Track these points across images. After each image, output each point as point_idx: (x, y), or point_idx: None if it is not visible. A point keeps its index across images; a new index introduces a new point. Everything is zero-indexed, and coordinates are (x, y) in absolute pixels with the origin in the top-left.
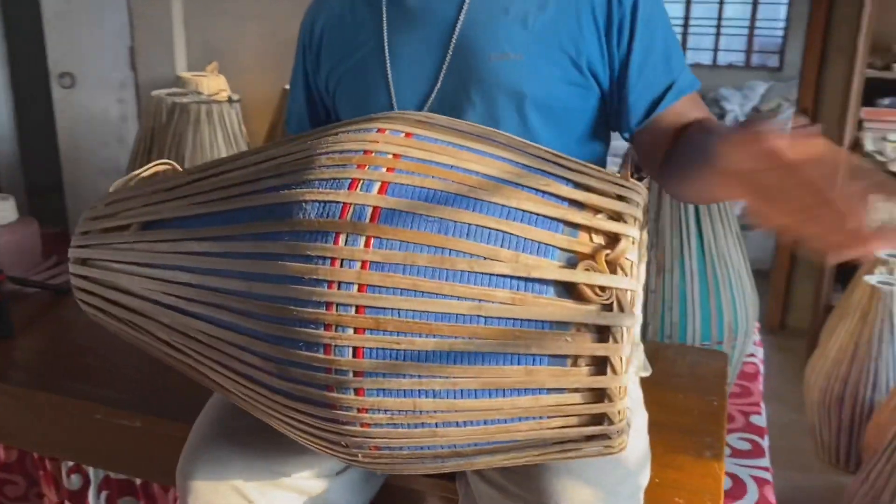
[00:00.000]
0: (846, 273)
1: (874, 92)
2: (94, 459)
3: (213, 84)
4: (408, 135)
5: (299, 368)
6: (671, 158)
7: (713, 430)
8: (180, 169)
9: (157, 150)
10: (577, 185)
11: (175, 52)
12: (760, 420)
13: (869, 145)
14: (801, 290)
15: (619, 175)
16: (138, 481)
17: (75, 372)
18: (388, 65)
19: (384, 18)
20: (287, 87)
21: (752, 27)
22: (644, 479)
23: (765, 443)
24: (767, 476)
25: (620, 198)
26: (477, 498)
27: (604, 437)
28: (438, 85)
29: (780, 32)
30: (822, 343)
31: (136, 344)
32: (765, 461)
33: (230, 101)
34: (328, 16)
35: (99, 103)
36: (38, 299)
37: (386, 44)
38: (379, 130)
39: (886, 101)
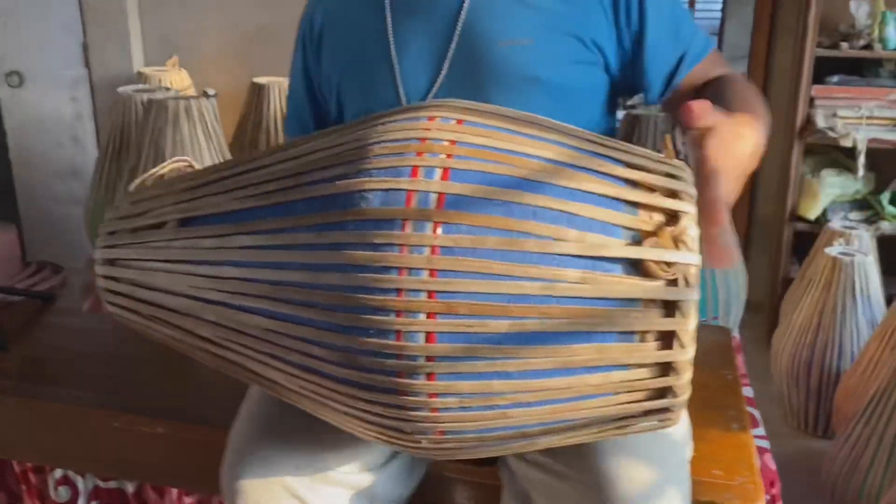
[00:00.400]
0: (802, 247)
1: (823, 70)
2: (112, 470)
3: (176, 79)
4: (459, 121)
5: (368, 356)
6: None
7: (734, 403)
8: (197, 166)
9: (131, 148)
10: (629, 165)
11: (132, 48)
12: (749, 391)
13: (821, 122)
14: (758, 265)
15: (662, 155)
16: (131, 489)
17: (80, 380)
18: (393, 55)
19: (387, 8)
20: (255, 80)
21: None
22: (689, 451)
23: (757, 413)
24: (766, 444)
25: (670, 175)
26: (523, 482)
27: (665, 410)
28: (445, 73)
29: (718, 14)
30: (786, 314)
31: (168, 343)
32: (760, 430)
33: (206, 95)
34: (328, 9)
35: (50, 102)
36: (23, 308)
37: (390, 34)
38: (429, 118)
39: (835, 78)
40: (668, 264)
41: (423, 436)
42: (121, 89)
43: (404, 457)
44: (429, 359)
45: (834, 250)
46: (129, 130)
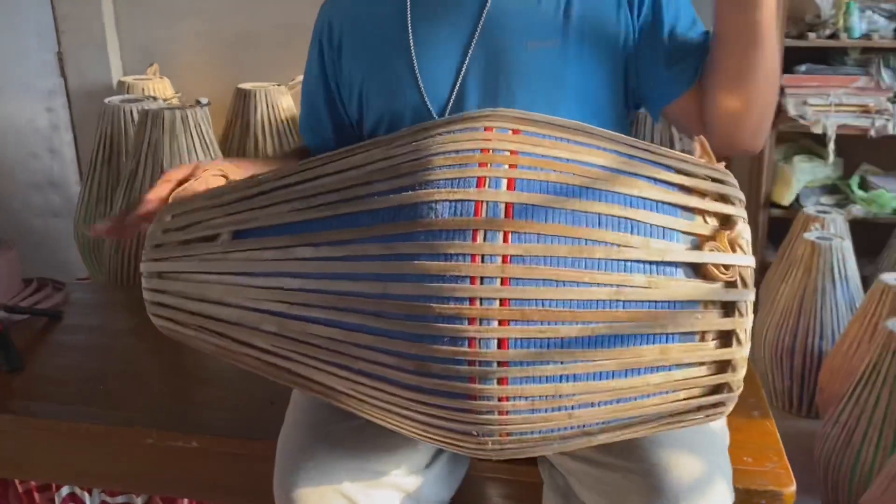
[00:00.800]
0: (776, 232)
1: (791, 59)
2: (144, 486)
3: (159, 87)
4: (515, 131)
5: (441, 363)
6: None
7: (751, 392)
8: (232, 176)
9: (123, 158)
10: (678, 171)
11: (109, 56)
12: None
13: (791, 110)
14: None
15: (702, 159)
16: (140, 502)
17: (102, 398)
18: (414, 58)
19: (408, 10)
20: (241, 86)
21: None
22: (727, 438)
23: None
24: None
25: (716, 181)
26: (567, 476)
27: (719, 405)
28: (465, 72)
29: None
30: (767, 299)
31: (214, 353)
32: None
33: (199, 104)
34: (347, 14)
35: (25, 113)
36: (29, 326)
37: (411, 37)
38: (486, 129)
39: (803, 67)
40: (727, 267)
41: (489, 437)
42: (108, 100)
43: (447, 457)
44: (501, 364)
45: (812, 235)
46: (119, 140)
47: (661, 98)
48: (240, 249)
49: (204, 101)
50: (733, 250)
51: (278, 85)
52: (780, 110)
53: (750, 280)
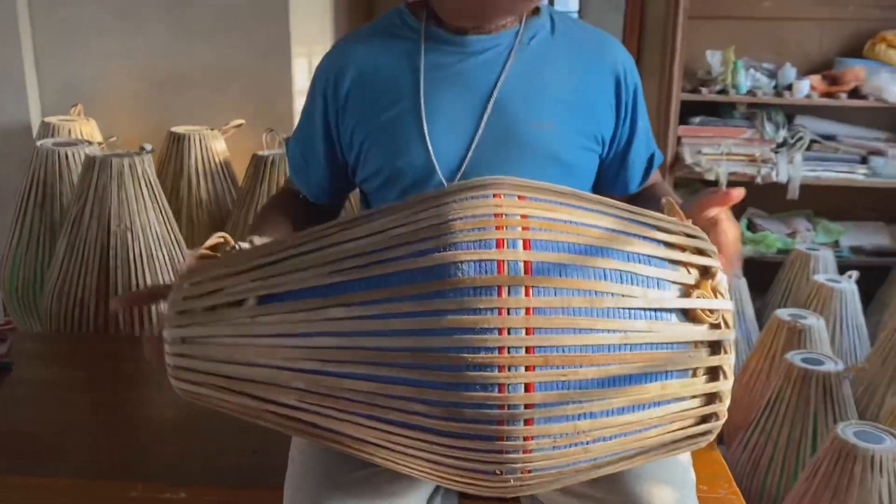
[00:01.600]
0: None
1: (686, 112)
2: None
3: (84, 129)
4: (520, 197)
5: (472, 408)
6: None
7: None
8: (232, 241)
9: (58, 203)
10: (660, 230)
11: (28, 95)
12: None
13: (688, 158)
14: None
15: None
16: None
17: (77, 451)
18: (425, 122)
19: (422, 77)
20: (174, 129)
21: None
22: (692, 472)
23: None
24: None
25: (691, 236)
26: None
27: (707, 432)
28: (476, 144)
29: None
30: None
31: (237, 413)
32: None
33: (144, 151)
34: (357, 68)
35: None
36: None
37: (423, 102)
38: (495, 195)
39: (697, 119)
40: (711, 311)
41: (512, 475)
42: (40, 143)
43: (440, 499)
44: (528, 406)
45: None
46: (53, 184)
47: (610, 191)
48: (269, 313)
49: (148, 147)
50: (715, 296)
51: (211, 129)
52: (678, 158)
53: (731, 321)
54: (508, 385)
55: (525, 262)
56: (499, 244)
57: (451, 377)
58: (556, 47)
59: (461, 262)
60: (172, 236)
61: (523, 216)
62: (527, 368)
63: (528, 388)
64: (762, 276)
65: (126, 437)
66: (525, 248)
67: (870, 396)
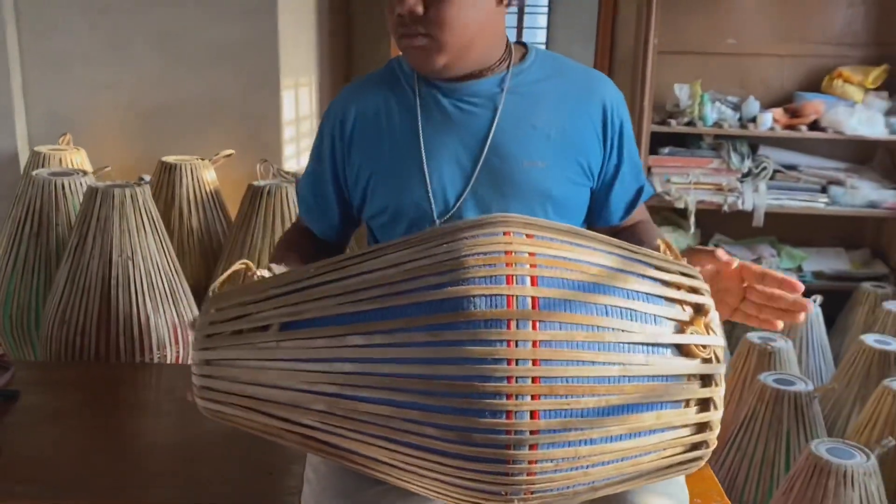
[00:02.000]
0: None
1: (656, 143)
2: None
3: (76, 158)
4: (528, 235)
5: (482, 433)
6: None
7: None
8: (254, 269)
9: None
10: (657, 268)
11: (15, 124)
12: None
13: (658, 187)
14: None
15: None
16: None
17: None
18: (424, 161)
19: (419, 121)
20: (164, 159)
21: None
22: (686, 489)
23: None
24: None
25: (685, 275)
26: None
27: (697, 459)
28: (472, 182)
29: None
30: None
31: (258, 432)
32: None
33: (142, 181)
34: (360, 111)
35: None
36: None
37: (422, 142)
38: (504, 234)
39: (667, 150)
40: (704, 346)
41: (516, 497)
42: (36, 172)
43: None
44: (533, 433)
45: None
46: (49, 213)
47: (595, 220)
48: (292, 338)
49: (146, 178)
50: (707, 333)
51: (202, 159)
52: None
53: (722, 356)
54: (516, 412)
55: (533, 297)
56: (508, 280)
57: (463, 403)
58: (545, 87)
59: (473, 296)
60: (171, 265)
61: (531, 254)
62: (533, 397)
63: (533, 415)
64: None
65: (141, 462)
66: (533, 284)
67: (836, 414)
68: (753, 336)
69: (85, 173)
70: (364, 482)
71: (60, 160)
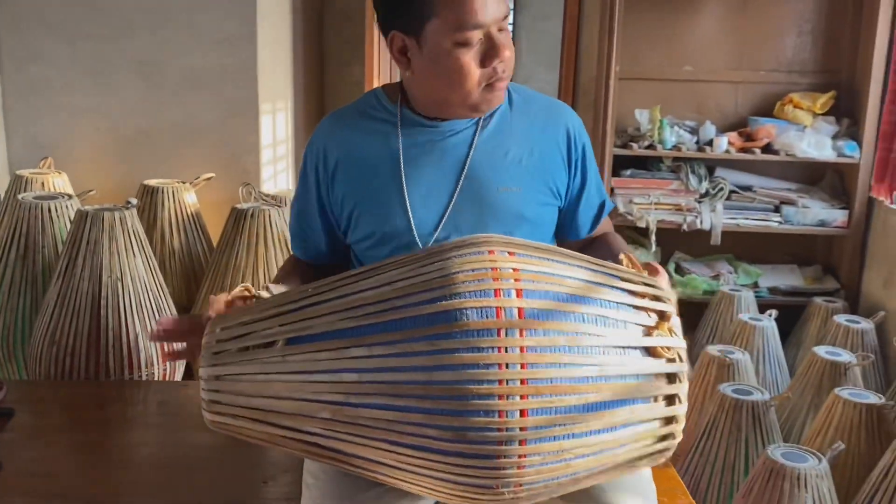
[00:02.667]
0: None
1: (618, 165)
2: None
3: (57, 182)
4: (510, 253)
5: (475, 432)
6: (588, 251)
7: None
8: (253, 291)
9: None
10: (623, 280)
11: None
12: None
13: (621, 208)
14: None
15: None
16: None
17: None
18: (405, 190)
19: (401, 154)
20: (146, 182)
21: None
22: (654, 484)
23: None
24: None
25: (648, 285)
26: None
27: (665, 450)
28: (451, 209)
29: None
30: None
31: (264, 441)
32: None
33: (129, 205)
34: (343, 143)
35: None
36: None
37: (403, 176)
38: (489, 252)
39: (628, 172)
40: (668, 348)
41: (506, 489)
42: (21, 196)
43: None
44: (522, 429)
45: None
46: (35, 236)
47: (564, 235)
48: (298, 353)
49: (133, 201)
50: (671, 335)
51: (183, 182)
52: (615, 207)
53: (685, 356)
54: (507, 412)
55: (519, 308)
56: (496, 293)
57: (458, 405)
58: (514, 118)
59: (465, 308)
60: (158, 285)
61: (515, 269)
62: (521, 397)
63: (522, 413)
64: (690, 315)
65: (134, 473)
66: (518, 296)
67: (792, 422)
68: (713, 349)
69: (70, 197)
70: (362, 485)
71: (43, 184)
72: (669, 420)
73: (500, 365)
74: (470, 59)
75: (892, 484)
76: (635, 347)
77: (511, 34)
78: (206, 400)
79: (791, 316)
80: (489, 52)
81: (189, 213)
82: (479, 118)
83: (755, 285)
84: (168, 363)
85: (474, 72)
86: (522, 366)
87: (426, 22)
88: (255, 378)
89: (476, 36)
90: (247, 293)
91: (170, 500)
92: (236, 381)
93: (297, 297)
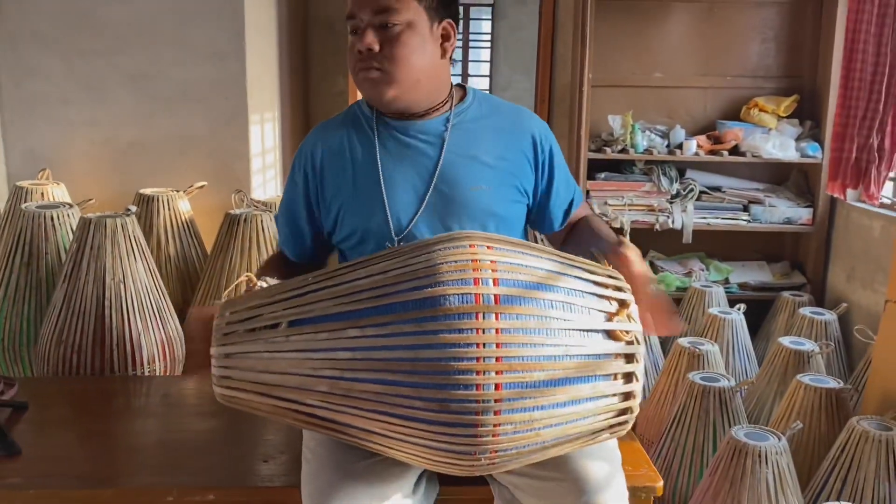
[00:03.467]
0: None
1: (593, 169)
2: None
3: (55, 192)
4: (489, 247)
5: (456, 403)
6: (571, 240)
7: None
8: (255, 281)
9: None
10: (586, 271)
11: None
12: None
13: (596, 209)
14: None
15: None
16: None
17: (111, 468)
18: (384, 189)
19: (378, 155)
20: (142, 191)
21: None
22: (619, 452)
23: None
24: None
25: (610, 276)
26: (512, 490)
27: (624, 423)
28: (424, 206)
29: None
30: None
31: (269, 413)
32: None
33: (129, 212)
34: (328, 149)
35: None
36: None
37: (380, 174)
38: (470, 246)
39: (602, 175)
40: (627, 331)
41: (483, 455)
42: (24, 206)
43: (425, 483)
44: (497, 401)
45: None
46: (38, 244)
47: (540, 229)
48: (299, 333)
49: (133, 208)
50: (629, 321)
51: (176, 191)
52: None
53: (641, 339)
54: (483, 385)
55: (495, 295)
56: (475, 282)
57: (441, 380)
58: (483, 123)
59: (448, 294)
60: (158, 287)
61: (492, 261)
62: (496, 373)
63: (497, 387)
64: None
65: (155, 455)
66: (494, 284)
67: (760, 409)
68: (684, 341)
69: (70, 206)
70: (355, 455)
71: (42, 194)
72: (628, 395)
73: (477, 344)
74: (350, 46)
75: (848, 458)
76: (597, 331)
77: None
78: (216, 376)
79: (761, 310)
80: (353, 41)
81: (183, 219)
82: (448, 125)
83: (726, 281)
84: (168, 360)
85: (351, 58)
86: (497, 345)
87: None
88: (261, 356)
89: (353, 25)
90: (248, 281)
91: (177, 478)
92: (244, 358)
93: (299, 284)
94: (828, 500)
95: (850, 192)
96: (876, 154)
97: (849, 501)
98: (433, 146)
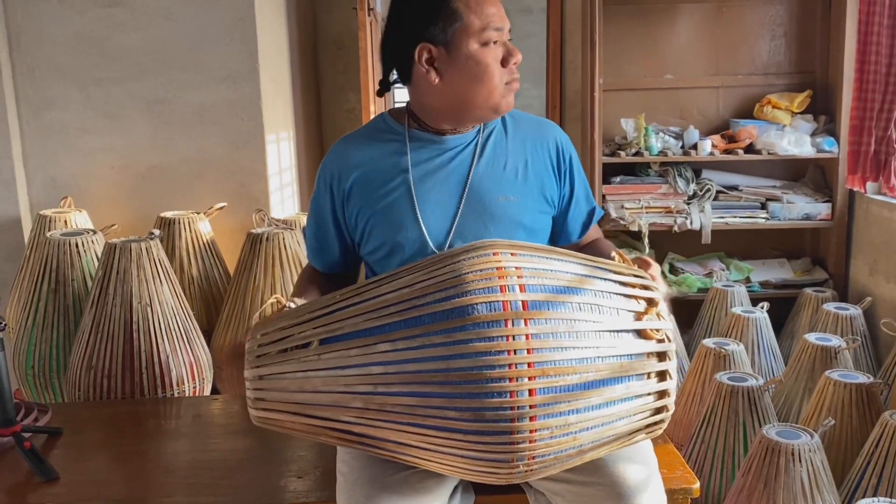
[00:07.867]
0: None
1: (608, 173)
2: None
3: (79, 219)
4: (512, 254)
5: (491, 411)
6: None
7: None
8: (284, 302)
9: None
10: (614, 272)
11: (17, 191)
12: None
13: (613, 213)
14: None
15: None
16: None
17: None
18: (417, 206)
19: (410, 170)
20: (163, 214)
21: None
22: (654, 455)
23: None
24: None
25: (637, 276)
26: (550, 496)
27: (660, 422)
28: (458, 219)
29: None
30: None
31: (304, 433)
32: None
33: (153, 236)
34: (356, 166)
35: None
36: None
37: (413, 189)
38: (494, 254)
39: (618, 178)
40: (657, 330)
41: (521, 462)
42: (50, 234)
43: (460, 494)
44: (531, 407)
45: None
46: (65, 271)
47: (557, 242)
48: (330, 351)
49: (157, 232)
50: (659, 319)
51: (197, 212)
52: (604, 214)
53: (672, 337)
54: (517, 392)
55: (522, 301)
56: (502, 290)
57: (474, 388)
58: (510, 136)
59: (476, 303)
60: (184, 309)
61: (517, 268)
62: (529, 378)
63: (531, 393)
64: (686, 312)
65: (190, 475)
66: (521, 290)
67: (788, 407)
68: (709, 342)
69: (95, 232)
70: (390, 468)
71: (65, 222)
72: (662, 394)
73: (508, 351)
74: (493, 59)
75: (882, 454)
76: (627, 331)
77: None
78: (251, 398)
79: (784, 307)
80: (506, 54)
81: (204, 241)
82: (478, 139)
83: (747, 280)
84: (196, 381)
85: (497, 70)
86: (528, 351)
87: (452, 29)
88: (294, 376)
89: (495, 37)
90: (278, 304)
91: (213, 498)
92: (278, 379)
93: (327, 303)
94: (864, 495)
95: (870, 184)
96: (895, 146)
97: (887, 497)
98: (464, 159)
